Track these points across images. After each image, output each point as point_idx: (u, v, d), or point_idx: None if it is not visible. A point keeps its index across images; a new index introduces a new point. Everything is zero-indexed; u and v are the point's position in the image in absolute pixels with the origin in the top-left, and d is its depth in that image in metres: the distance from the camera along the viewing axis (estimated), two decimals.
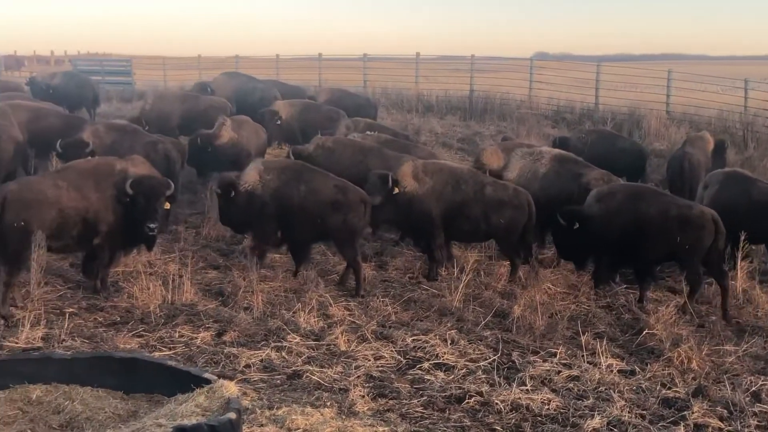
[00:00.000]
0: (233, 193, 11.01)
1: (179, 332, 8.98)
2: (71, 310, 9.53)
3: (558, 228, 11.23)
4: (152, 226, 9.88)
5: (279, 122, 19.60)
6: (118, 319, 9.40)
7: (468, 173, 12.00)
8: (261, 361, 8.33)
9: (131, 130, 14.60)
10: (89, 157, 11.86)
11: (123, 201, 9.85)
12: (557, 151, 13.41)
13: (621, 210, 10.93)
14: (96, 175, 9.91)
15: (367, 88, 35.11)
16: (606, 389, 8.05)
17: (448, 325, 9.65)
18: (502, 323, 9.93)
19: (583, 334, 9.34)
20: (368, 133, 15.54)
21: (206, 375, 6.33)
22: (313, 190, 11.11)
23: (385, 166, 12.59)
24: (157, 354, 8.34)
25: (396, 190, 11.41)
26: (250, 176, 11.20)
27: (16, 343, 8.31)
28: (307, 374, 8.05)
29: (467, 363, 8.56)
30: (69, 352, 7.21)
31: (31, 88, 25.64)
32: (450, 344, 8.98)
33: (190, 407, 5.87)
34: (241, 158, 15.27)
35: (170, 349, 8.55)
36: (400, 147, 14.78)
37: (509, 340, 9.35)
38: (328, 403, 7.38)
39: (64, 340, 8.49)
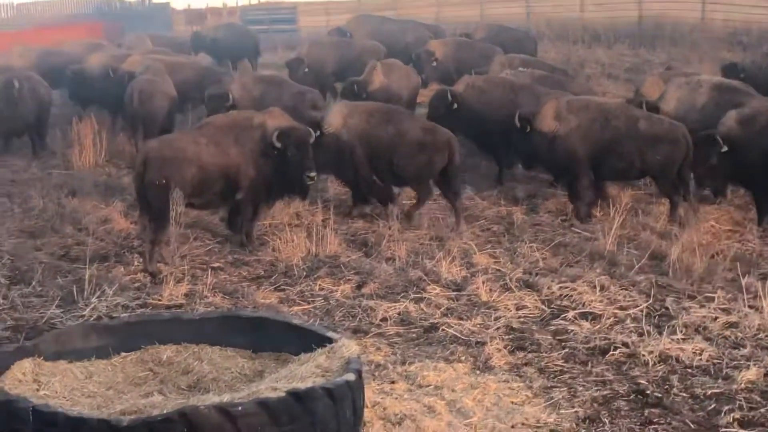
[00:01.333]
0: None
1: (320, 285, 8.89)
2: (217, 265, 9.63)
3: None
4: (311, 174, 9.90)
5: (435, 63, 19.27)
6: (262, 273, 9.42)
7: (619, 108, 11.36)
8: (398, 314, 8.14)
9: (278, 81, 14.63)
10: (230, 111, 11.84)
11: (268, 154, 9.84)
12: (717, 79, 12.50)
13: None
14: (235, 129, 9.92)
15: (529, 21, 34.08)
16: (766, 336, 7.43)
17: (598, 270, 9.15)
18: (659, 266, 9.33)
19: (746, 275, 8.66)
20: (521, 69, 15.00)
21: (329, 333, 6.21)
22: (400, 131, 11.09)
23: (535, 104, 12.08)
24: (295, 309, 8.30)
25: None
26: (334, 119, 11.20)
27: (159, 300, 8.45)
28: (444, 327, 7.81)
29: (616, 311, 8.08)
30: (197, 312, 7.23)
31: (193, 42, 26.28)
32: (599, 291, 8.50)
33: (310, 368, 5.76)
34: (392, 103, 15.03)
35: (309, 303, 8.49)
36: (555, 83, 14.21)
37: (664, 284, 8.78)
38: (463, 358, 7.14)
39: (206, 296, 8.57)
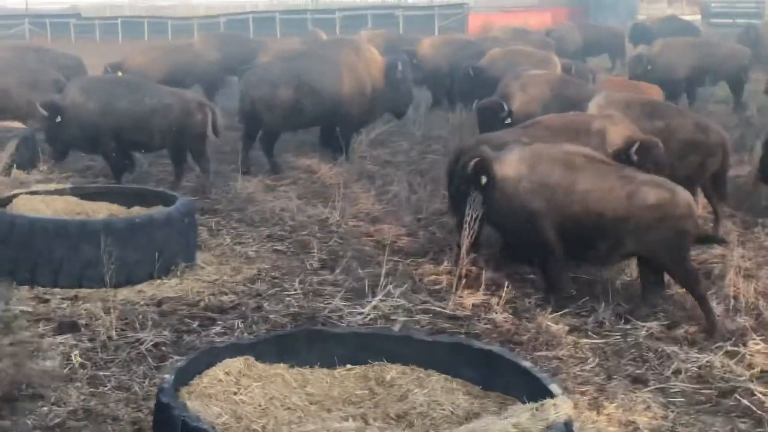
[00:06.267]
0: None
1: (626, 318, 7.83)
2: (532, 276, 8.89)
3: None
4: None
5: None
6: (574, 292, 8.52)
7: None
8: (698, 368, 6.88)
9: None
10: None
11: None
12: None
13: None
14: (568, 131, 9.09)
15: None
16: None
17: None
18: None
19: None
20: None
21: (552, 386, 5.32)
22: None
23: None
24: (584, 341, 7.37)
25: None
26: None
27: (443, 309, 7.98)
28: (743, 394, 6.44)
29: None
30: (431, 335, 6.65)
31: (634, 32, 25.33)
32: None
33: (506, 425, 4.96)
34: None
35: (603, 337, 7.48)
36: None
37: None
38: None
39: (495, 311, 7.93)
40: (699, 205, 9.95)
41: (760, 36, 23.42)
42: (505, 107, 11.42)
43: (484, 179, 8.13)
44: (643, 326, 7.66)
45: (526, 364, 5.71)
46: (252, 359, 5.80)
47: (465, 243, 8.37)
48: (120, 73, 16.71)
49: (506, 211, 8.13)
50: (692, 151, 9.95)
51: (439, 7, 51.81)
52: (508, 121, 11.20)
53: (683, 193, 7.81)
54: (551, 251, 8.05)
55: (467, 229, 8.30)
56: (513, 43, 21.47)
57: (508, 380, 5.70)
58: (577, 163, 7.98)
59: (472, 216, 8.22)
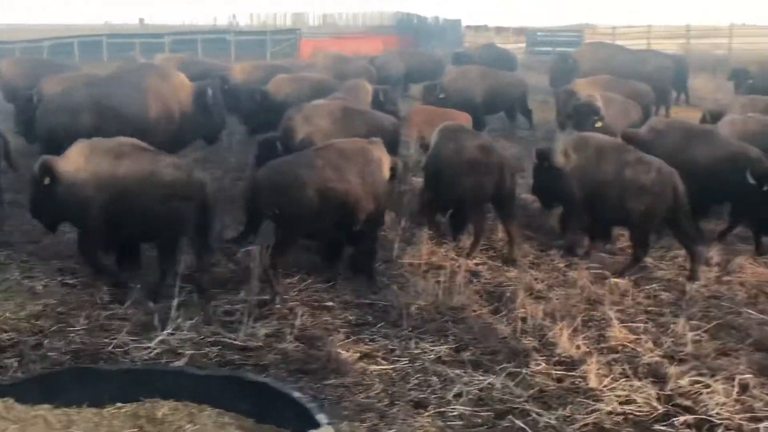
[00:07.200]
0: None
1: (416, 343, 7.91)
2: (330, 303, 8.88)
3: None
4: None
5: None
6: (370, 318, 8.56)
7: None
8: (480, 390, 7.01)
9: None
10: None
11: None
12: None
13: None
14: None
15: None
16: None
17: (744, 366, 7.48)
18: None
19: None
20: (750, 115, 13.14)
21: (319, 416, 5.30)
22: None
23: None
24: (372, 368, 7.37)
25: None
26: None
27: (234, 340, 7.84)
28: (518, 416, 6.59)
29: (743, 422, 6.50)
30: (204, 370, 6.54)
31: (454, 61, 26.09)
32: (736, 393, 6.91)
33: None
34: None
35: (391, 363, 7.50)
36: None
37: None
38: None
39: (288, 340, 7.86)
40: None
41: (577, 63, 24.44)
42: (279, 146, 11.50)
43: (47, 179, 8.61)
44: (432, 350, 7.76)
45: (297, 395, 5.69)
46: (12, 401, 5.54)
47: (265, 270, 8.38)
48: None
49: (70, 203, 8.68)
50: (472, 171, 10.46)
51: (271, 33, 51.70)
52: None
53: (199, 175, 9.06)
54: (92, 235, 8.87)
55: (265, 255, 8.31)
56: (334, 69, 21.73)
57: (281, 412, 5.66)
58: (123, 152, 8.79)
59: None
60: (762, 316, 8.76)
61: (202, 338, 7.83)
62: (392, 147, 12.48)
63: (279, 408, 5.61)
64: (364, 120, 12.35)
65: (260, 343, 7.81)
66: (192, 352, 7.50)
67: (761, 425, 6.46)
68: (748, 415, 6.61)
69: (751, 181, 10.21)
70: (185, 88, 13.76)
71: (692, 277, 9.78)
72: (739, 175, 10.34)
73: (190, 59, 23.76)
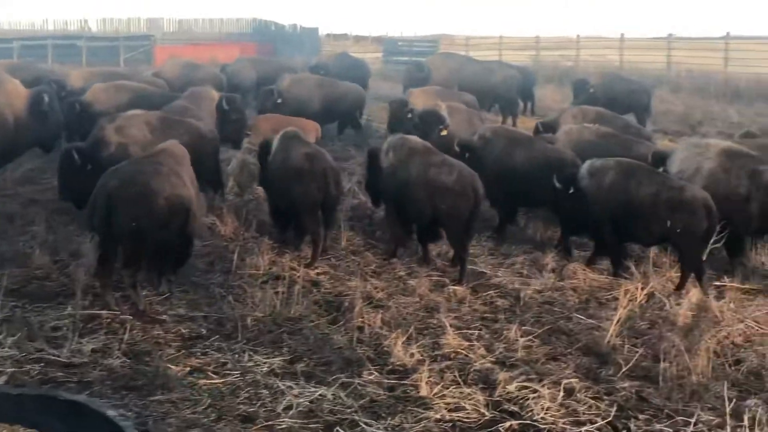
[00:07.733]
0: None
1: (249, 356, 7.79)
2: (164, 316, 8.66)
3: None
4: None
5: None
6: (204, 332, 8.39)
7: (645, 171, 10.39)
8: (310, 402, 6.94)
9: None
10: None
11: None
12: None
13: None
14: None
15: (670, 70, 32.32)
16: None
17: (571, 370, 7.67)
18: (652, 373, 7.74)
19: (752, 395, 7.04)
20: (586, 125, 13.59)
21: None
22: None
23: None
24: (202, 382, 7.21)
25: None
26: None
27: (58, 357, 7.54)
28: (348, 426, 6.56)
29: (566, 426, 6.65)
30: (17, 389, 6.26)
31: (311, 71, 26.04)
32: (561, 397, 7.06)
33: None
34: None
35: (221, 377, 7.36)
36: (619, 143, 12.83)
37: (647, 397, 7.24)
38: None
39: (115, 356, 7.60)
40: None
41: (432, 71, 24.83)
42: (76, 157, 11.21)
43: None
44: (266, 362, 7.66)
45: (111, 413, 5.49)
46: None
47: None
48: None
49: None
50: (298, 178, 10.57)
51: (125, 38, 50.57)
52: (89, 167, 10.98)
53: None
54: None
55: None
56: (182, 76, 21.36)
57: (96, 431, 5.45)
58: None
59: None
60: (591, 320, 9.00)
61: (24, 355, 7.49)
62: (212, 155, 12.42)
63: (94, 427, 5.41)
64: (183, 129, 12.11)
65: (86, 359, 7.54)
66: (13, 369, 7.18)
67: (583, 429, 6.61)
68: (571, 419, 6.76)
69: (557, 184, 10.56)
70: (20, 94, 13.22)
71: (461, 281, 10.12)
72: (551, 179, 10.71)
73: (24, 64, 22.89)
